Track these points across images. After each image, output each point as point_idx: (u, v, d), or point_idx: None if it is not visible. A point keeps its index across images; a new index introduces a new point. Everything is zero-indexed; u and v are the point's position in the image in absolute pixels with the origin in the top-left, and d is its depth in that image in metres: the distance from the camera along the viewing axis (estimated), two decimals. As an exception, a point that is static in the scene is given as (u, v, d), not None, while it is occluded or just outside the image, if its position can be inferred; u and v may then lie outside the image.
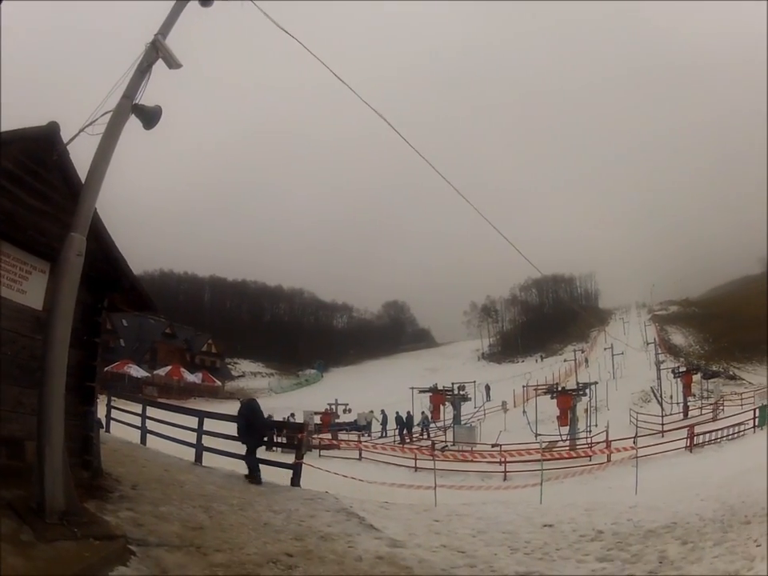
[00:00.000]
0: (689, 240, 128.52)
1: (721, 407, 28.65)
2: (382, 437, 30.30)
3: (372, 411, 35.01)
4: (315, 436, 25.59)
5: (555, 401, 26.53)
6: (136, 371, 46.07)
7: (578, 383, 31.33)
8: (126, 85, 5.67)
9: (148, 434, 13.44)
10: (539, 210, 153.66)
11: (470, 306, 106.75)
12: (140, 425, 13.78)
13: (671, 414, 28.71)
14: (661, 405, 31.94)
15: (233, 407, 12.95)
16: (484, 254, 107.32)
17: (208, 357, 69.35)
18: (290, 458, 11.53)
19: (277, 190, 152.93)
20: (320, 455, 21.91)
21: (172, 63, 5.75)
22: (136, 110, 5.68)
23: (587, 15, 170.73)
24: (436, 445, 23.70)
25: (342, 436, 28.64)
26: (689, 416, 28.54)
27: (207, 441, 11.74)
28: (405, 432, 29.63)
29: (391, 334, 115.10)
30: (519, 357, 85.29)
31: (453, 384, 33.20)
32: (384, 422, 32.30)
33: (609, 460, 18.08)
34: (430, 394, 31.64)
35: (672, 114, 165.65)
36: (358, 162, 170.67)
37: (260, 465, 10.55)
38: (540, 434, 24.72)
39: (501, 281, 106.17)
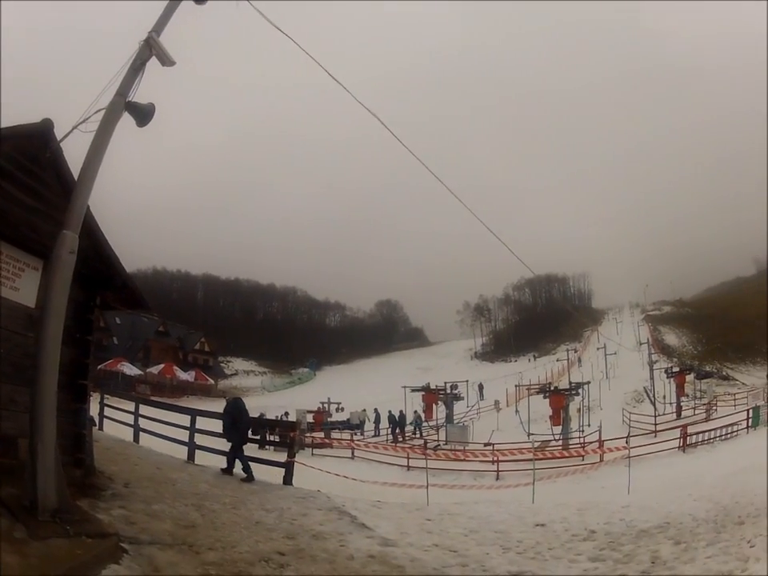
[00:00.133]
0: (682, 241, 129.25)
1: (714, 407, 28.69)
2: (374, 436, 30.27)
3: (365, 410, 34.97)
4: (308, 434, 25.55)
5: (548, 400, 26.45)
6: (129, 369, 45.98)
7: (570, 383, 31.40)
8: (120, 82, 5.65)
9: (141, 432, 13.46)
10: (533, 209, 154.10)
11: (463, 305, 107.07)
12: (133, 423, 13.78)
13: (664, 414, 28.81)
14: (654, 405, 32.03)
15: (225, 405, 12.96)
16: (477, 254, 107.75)
17: (201, 355, 69.15)
18: (282, 457, 11.58)
19: (270, 188, 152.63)
20: (312, 454, 21.87)
21: (166, 61, 5.74)
22: (129, 107, 5.66)
23: (584, 15, 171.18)
24: (428, 444, 23.73)
25: (335, 435, 28.60)
26: (682, 416, 28.54)
27: (200, 439, 11.76)
28: (397, 431, 29.61)
29: (384, 332, 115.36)
30: (512, 356, 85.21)
31: (445, 383, 33.29)
32: (377, 421, 32.27)
33: (601, 460, 18.02)
34: (423, 393, 31.53)
35: (666, 116, 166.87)
36: (351, 161, 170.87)
37: (252, 463, 10.59)
38: (533, 434, 24.76)
39: (494, 280, 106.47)
